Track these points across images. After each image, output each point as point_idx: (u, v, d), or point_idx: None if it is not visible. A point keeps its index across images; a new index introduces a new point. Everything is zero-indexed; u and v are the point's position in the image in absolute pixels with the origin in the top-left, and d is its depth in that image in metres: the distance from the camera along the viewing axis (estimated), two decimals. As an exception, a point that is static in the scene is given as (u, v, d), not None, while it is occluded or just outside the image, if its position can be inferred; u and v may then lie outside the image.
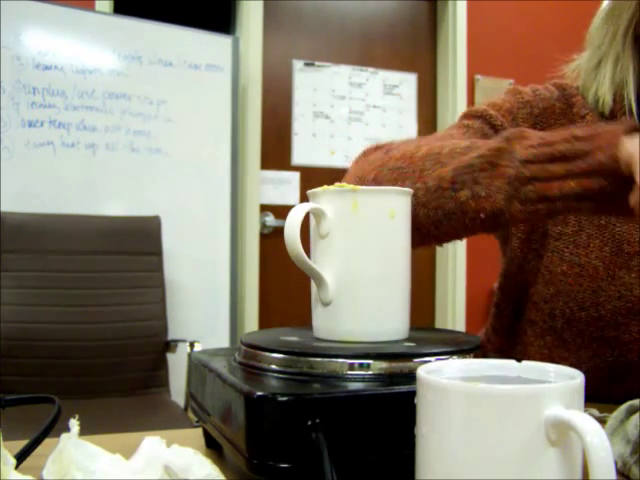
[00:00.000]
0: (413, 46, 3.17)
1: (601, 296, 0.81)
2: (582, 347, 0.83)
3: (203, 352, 0.60)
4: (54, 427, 0.52)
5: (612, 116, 0.82)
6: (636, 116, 0.80)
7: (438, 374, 0.38)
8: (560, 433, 0.33)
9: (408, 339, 0.54)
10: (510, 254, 0.90)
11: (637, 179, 0.53)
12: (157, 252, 2.26)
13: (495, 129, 0.83)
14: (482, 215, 0.62)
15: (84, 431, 0.43)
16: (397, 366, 0.47)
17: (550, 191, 0.59)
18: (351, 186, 0.53)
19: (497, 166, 0.62)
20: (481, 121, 0.84)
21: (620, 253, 0.81)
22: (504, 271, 0.93)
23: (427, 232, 0.68)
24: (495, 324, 0.93)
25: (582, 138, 0.59)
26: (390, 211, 0.53)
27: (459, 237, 0.70)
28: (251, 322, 2.77)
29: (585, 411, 0.34)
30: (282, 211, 2.86)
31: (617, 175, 0.56)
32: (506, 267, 0.92)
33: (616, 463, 0.50)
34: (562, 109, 0.87)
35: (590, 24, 0.87)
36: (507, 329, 0.91)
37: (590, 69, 0.85)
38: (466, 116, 0.87)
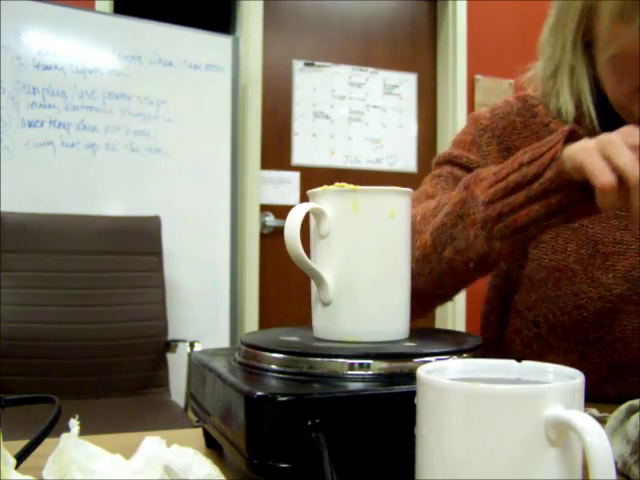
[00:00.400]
0: (413, 46, 3.17)
1: (582, 299, 0.82)
2: (568, 351, 0.84)
3: (203, 352, 0.60)
4: (54, 427, 0.52)
5: (577, 122, 0.82)
6: (596, 122, 0.80)
7: (438, 374, 0.38)
8: (560, 433, 0.33)
9: (408, 339, 0.54)
10: (496, 268, 0.92)
11: (593, 181, 0.56)
12: (157, 252, 2.25)
13: (464, 167, 0.87)
14: (471, 264, 0.67)
15: (84, 431, 0.43)
16: (397, 366, 0.47)
17: (520, 220, 0.63)
18: (351, 186, 0.53)
19: (466, 216, 0.66)
20: (449, 165, 0.88)
21: (596, 254, 0.82)
22: (490, 284, 0.95)
23: (433, 294, 0.73)
24: (485, 335, 0.95)
25: (528, 162, 0.63)
26: (390, 211, 0.53)
27: (463, 287, 0.74)
28: (251, 322, 2.77)
29: (585, 411, 0.34)
30: (282, 211, 2.86)
31: (572, 183, 0.60)
32: (492, 280, 0.95)
33: (616, 463, 0.50)
34: (523, 122, 0.88)
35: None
36: (496, 340, 0.92)
37: (547, 77, 0.85)
38: (436, 165, 0.91)
